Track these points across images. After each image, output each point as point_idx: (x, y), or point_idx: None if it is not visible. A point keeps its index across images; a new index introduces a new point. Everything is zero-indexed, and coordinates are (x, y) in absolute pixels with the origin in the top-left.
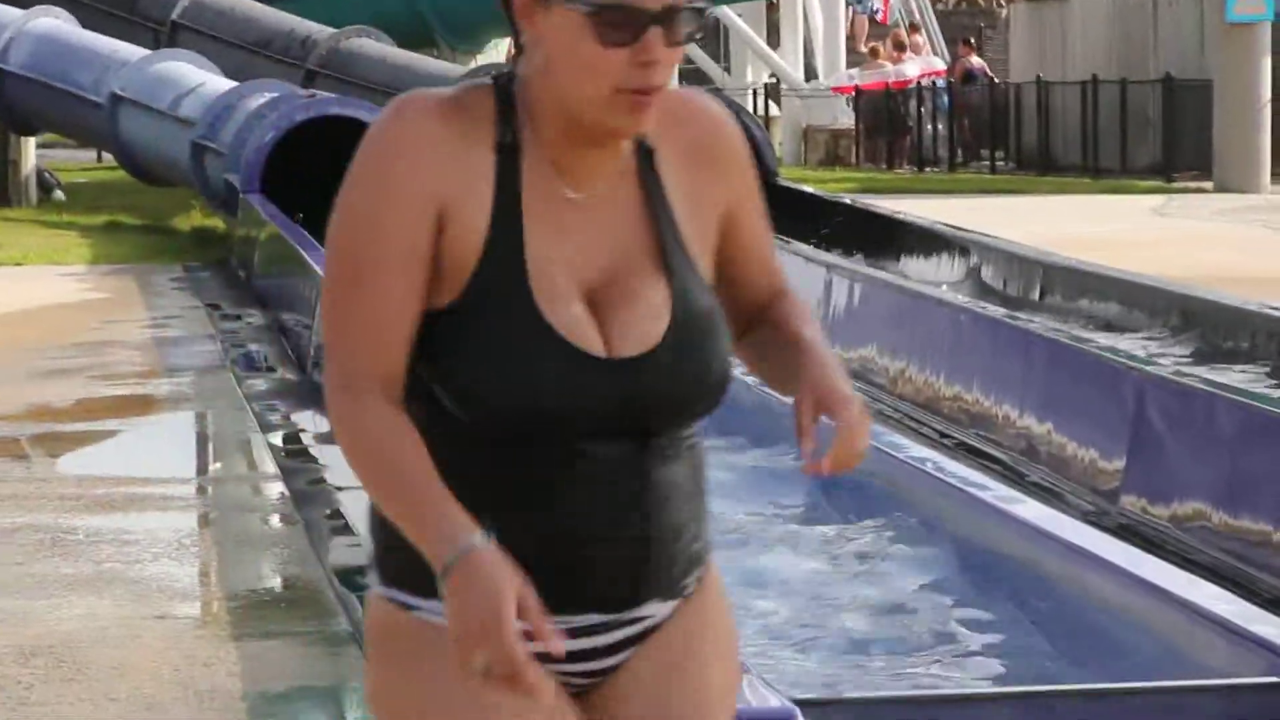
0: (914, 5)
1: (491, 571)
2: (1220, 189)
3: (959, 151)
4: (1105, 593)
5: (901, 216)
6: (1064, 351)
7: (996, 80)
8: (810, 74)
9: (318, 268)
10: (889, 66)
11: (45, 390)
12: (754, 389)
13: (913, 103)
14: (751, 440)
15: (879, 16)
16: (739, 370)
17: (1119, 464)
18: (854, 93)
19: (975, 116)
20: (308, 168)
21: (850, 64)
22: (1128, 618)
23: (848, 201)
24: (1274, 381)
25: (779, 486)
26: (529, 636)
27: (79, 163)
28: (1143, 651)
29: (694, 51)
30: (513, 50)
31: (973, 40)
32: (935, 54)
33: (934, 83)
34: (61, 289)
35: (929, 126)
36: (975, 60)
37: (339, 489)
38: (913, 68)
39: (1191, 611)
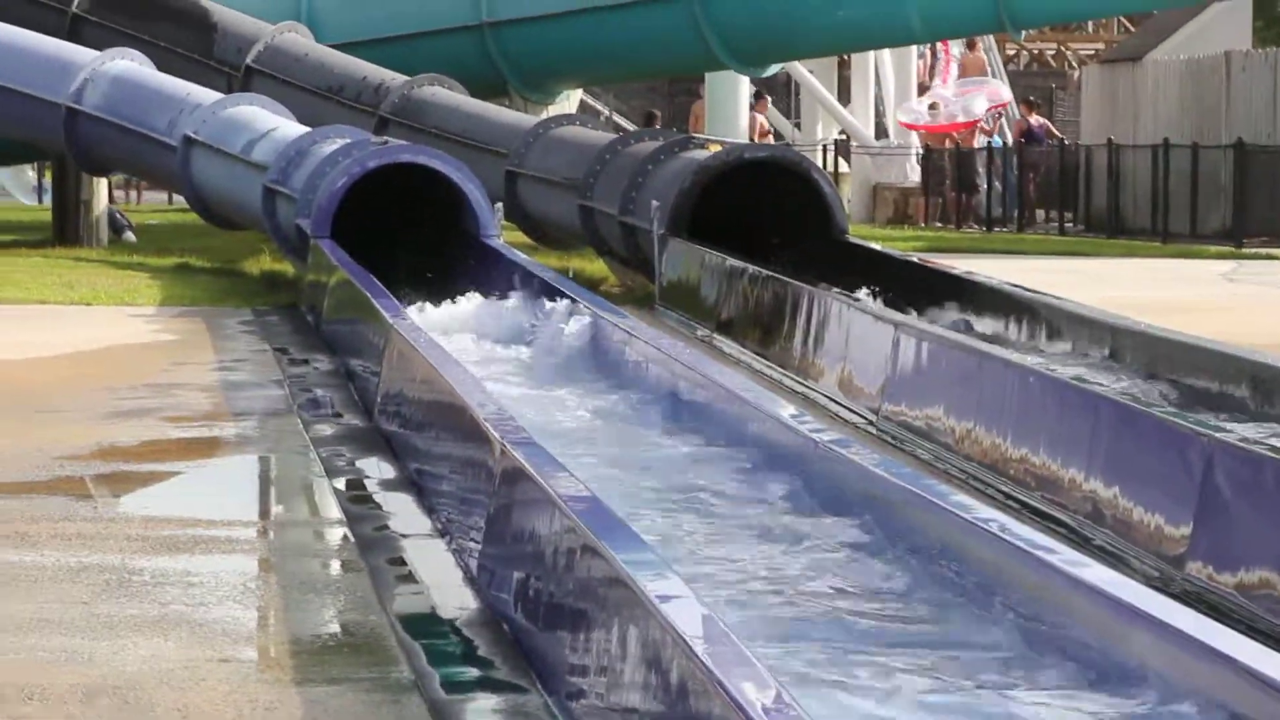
0: (988, 70)
1: None
2: None
3: (1026, 212)
4: (1171, 658)
5: (970, 276)
6: (1131, 415)
7: (1059, 137)
8: (880, 132)
9: (385, 314)
10: (955, 105)
11: (112, 430)
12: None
13: (980, 160)
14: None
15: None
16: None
17: (1185, 530)
18: (924, 150)
19: (1041, 176)
20: (379, 215)
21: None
22: (1192, 684)
23: (916, 260)
24: None
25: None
26: None
27: (150, 204)
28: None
29: (768, 108)
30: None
31: (1034, 99)
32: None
33: (1003, 142)
34: (131, 329)
35: (997, 185)
36: (1034, 119)
37: (403, 536)
38: (979, 102)
39: (1257, 680)
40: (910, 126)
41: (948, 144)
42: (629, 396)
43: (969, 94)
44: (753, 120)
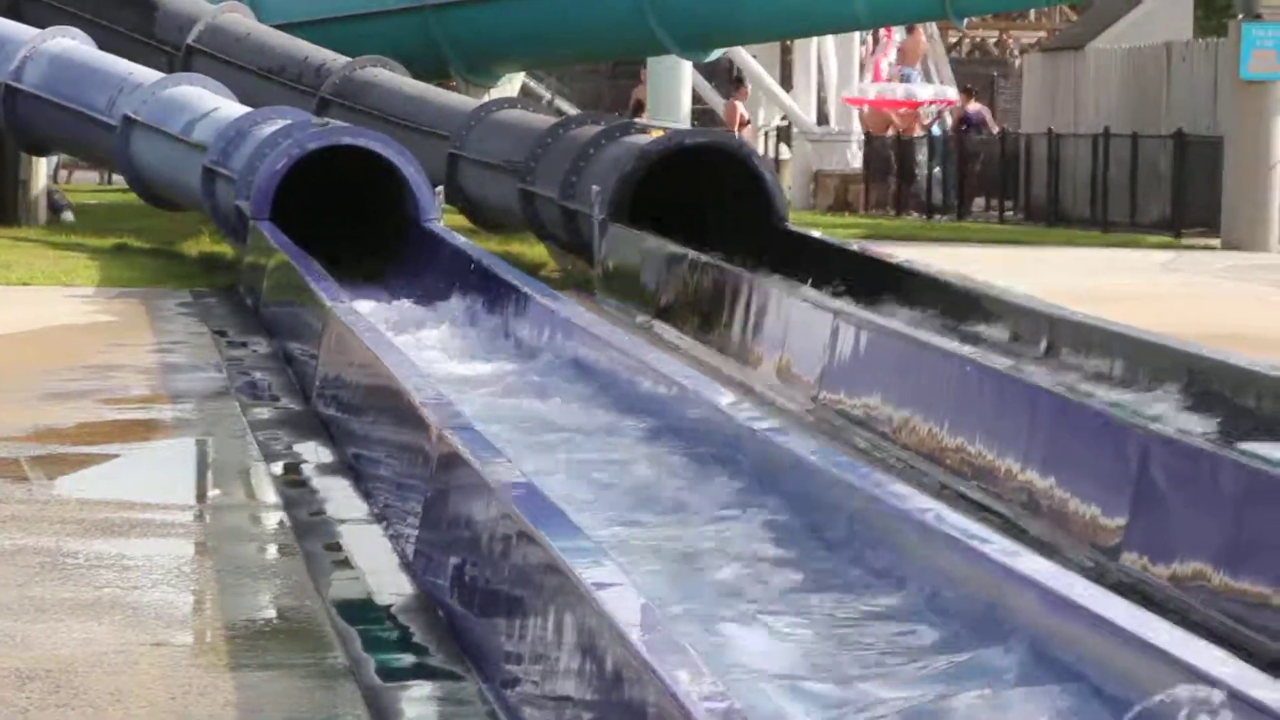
0: (930, 59)
1: None
2: (1229, 246)
3: (965, 200)
4: (1105, 651)
5: (910, 265)
6: (1068, 406)
7: (994, 126)
8: (822, 118)
9: (324, 298)
10: (899, 85)
11: (48, 412)
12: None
13: (921, 149)
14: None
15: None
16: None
17: (1121, 521)
18: (865, 136)
19: (980, 164)
20: (319, 196)
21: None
22: (1128, 677)
23: (855, 248)
24: (1278, 441)
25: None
26: None
27: (87, 184)
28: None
29: (706, 92)
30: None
31: (971, 86)
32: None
33: (943, 130)
34: (68, 310)
35: (937, 172)
36: (972, 106)
37: (340, 521)
38: (926, 90)
39: (1192, 674)
40: (854, 102)
41: (889, 130)
42: (567, 383)
43: (916, 83)
44: (733, 109)
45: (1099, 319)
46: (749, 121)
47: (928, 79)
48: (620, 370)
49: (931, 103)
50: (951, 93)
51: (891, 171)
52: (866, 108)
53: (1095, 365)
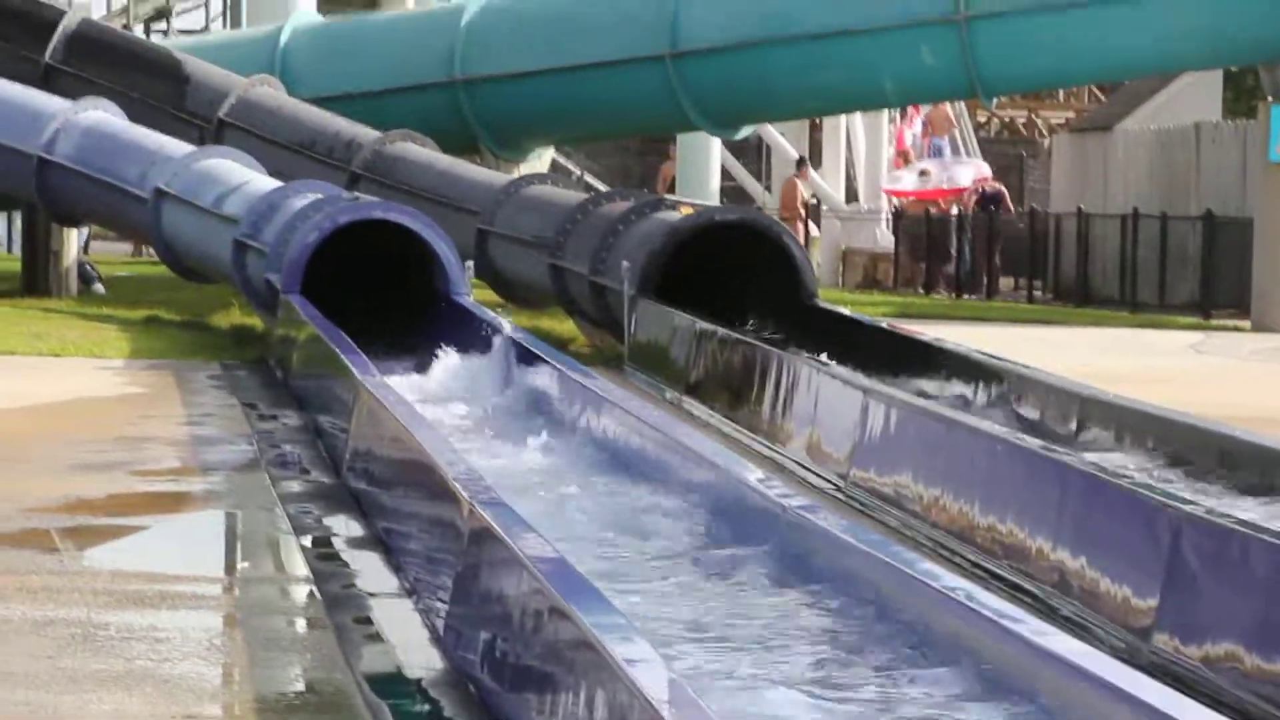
0: (958, 134)
1: None
2: (1259, 328)
3: (991, 279)
4: None
5: (939, 343)
6: (1099, 485)
7: (1011, 205)
8: (851, 196)
9: (355, 371)
10: (939, 173)
11: (80, 483)
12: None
13: (951, 227)
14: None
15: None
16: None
17: (1152, 602)
18: (894, 214)
19: (1002, 244)
20: (350, 271)
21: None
22: None
23: (885, 326)
24: None
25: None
26: None
27: (119, 256)
28: None
29: (736, 169)
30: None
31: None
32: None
33: (974, 209)
34: (99, 382)
35: (966, 252)
36: (989, 185)
37: (370, 594)
38: (966, 173)
39: None
40: (898, 193)
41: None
42: (597, 457)
43: (956, 164)
44: (793, 187)
45: (1129, 399)
46: (809, 202)
47: (955, 150)
48: (650, 446)
49: (977, 182)
50: (987, 169)
51: (921, 250)
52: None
53: (1126, 445)
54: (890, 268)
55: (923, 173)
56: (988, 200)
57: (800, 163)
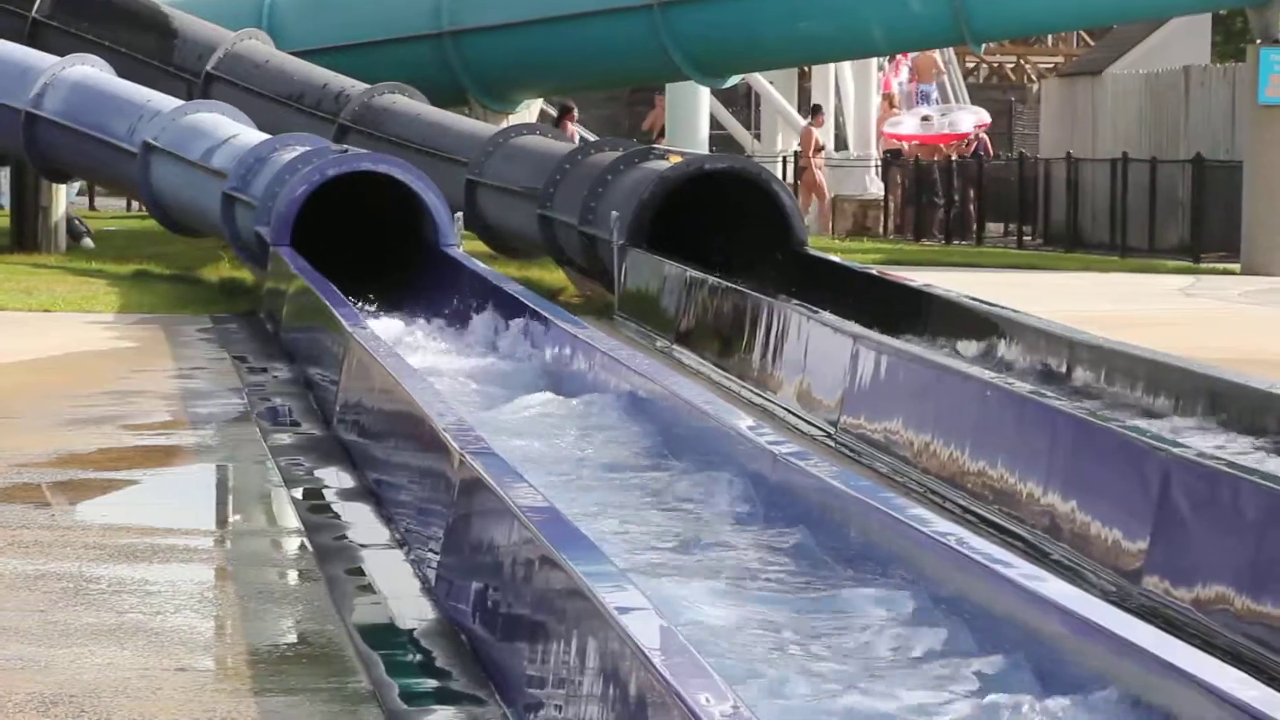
0: (947, 80)
1: None
2: (1248, 271)
3: (978, 225)
4: (1129, 674)
5: (929, 289)
6: (1089, 429)
7: (1002, 151)
8: (840, 143)
9: (345, 323)
10: (940, 118)
11: (70, 438)
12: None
13: (939, 173)
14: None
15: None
16: None
17: (1142, 545)
18: (884, 161)
19: (988, 190)
20: (339, 222)
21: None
22: (1151, 700)
23: (874, 272)
24: None
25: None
26: None
27: (109, 210)
28: None
29: (725, 118)
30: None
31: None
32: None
33: (962, 156)
34: (89, 336)
35: (956, 199)
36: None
37: (362, 545)
38: (967, 119)
39: (1215, 697)
40: (899, 137)
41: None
42: (588, 407)
43: (959, 110)
44: (809, 135)
45: (1118, 342)
46: (823, 148)
47: (944, 99)
48: (641, 393)
49: (978, 128)
50: (986, 116)
51: (911, 197)
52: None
53: (1115, 388)
54: (880, 215)
55: (925, 118)
56: (974, 148)
57: (815, 110)
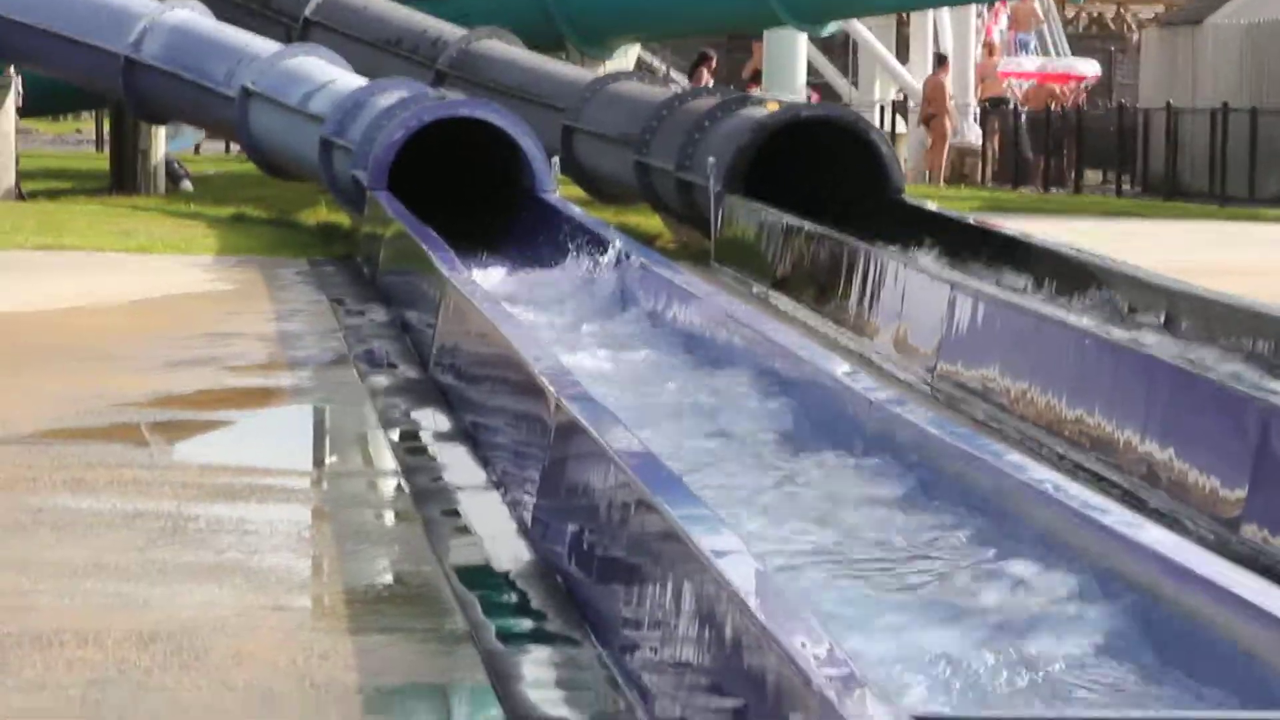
0: (1046, 31)
1: None
2: None
3: (1083, 174)
4: (1229, 621)
5: (1026, 237)
6: (1187, 378)
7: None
8: None
9: (441, 267)
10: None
11: (169, 379)
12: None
13: (1037, 123)
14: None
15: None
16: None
17: (1240, 493)
18: (982, 109)
19: (1094, 139)
20: (436, 167)
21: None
22: (1250, 647)
23: (972, 221)
24: None
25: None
26: None
27: (208, 155)
28: (1268, 684)
29: (822, 65)
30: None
31: None
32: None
33: (1062, 106)
34: (187, 278)
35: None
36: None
37: (458, 488)
38: (1088, 67)
39: None
40: (1021, 75)
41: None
42: (688, 354)
43: (1033, 51)
44: (940, 85)
45: (1220, 292)
46: (953, 96)
47: (1044, 48)
48: (737, 340)
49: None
50: (1097, 68)
51: (1010, 144)
52: (1027, 83)
53: (1215, 338)
54: (978, 163)
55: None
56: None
57: (941, 59)
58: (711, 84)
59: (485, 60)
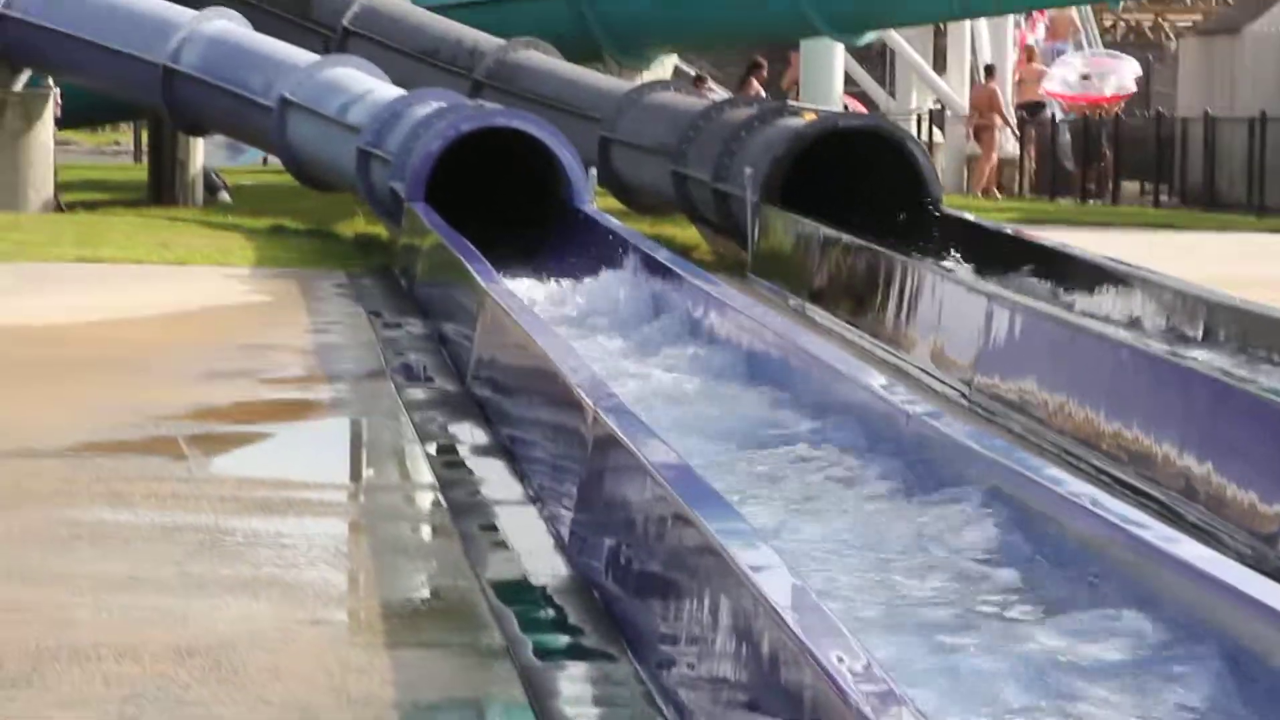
0: (1084, 38)
1: None
2: None
3: (1120, 184)
4: (1266, 637)
5: (1065, 248)
6: (1225, 391)
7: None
8: None
9: (479, 279)
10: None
11: (206, 391)
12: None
13: (1063, 131)
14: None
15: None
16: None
17: (1279, 507)
18: (1020, 119)
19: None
20: (473, 178)
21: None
22: None
23: (1010, 231)
24: None
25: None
26: None
27: (247, 165)
28: None
29: (860, 75)
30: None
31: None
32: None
33: (1099, 114)
34: (225, 290)
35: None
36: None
37: (495, 502)
38: (1126, 70)
39: None
40: (1062, 97)
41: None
42: (720, 365)
43: (1114, 65)
44: (991, 93)
45: (1258, 304)
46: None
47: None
48: (772, 351)
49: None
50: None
51: (1048, 155)
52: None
53: (1255, 350)
54: (1015, 173)
55: (1084, 76)
56: (1041, 106)
57: (989, 70)
58: (763, 93)
59: (522, 71)
